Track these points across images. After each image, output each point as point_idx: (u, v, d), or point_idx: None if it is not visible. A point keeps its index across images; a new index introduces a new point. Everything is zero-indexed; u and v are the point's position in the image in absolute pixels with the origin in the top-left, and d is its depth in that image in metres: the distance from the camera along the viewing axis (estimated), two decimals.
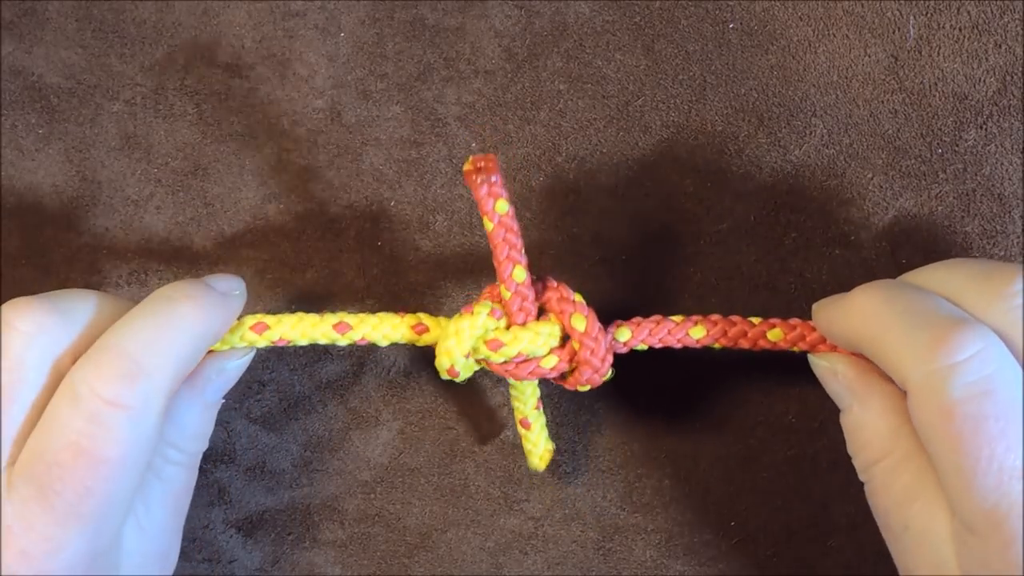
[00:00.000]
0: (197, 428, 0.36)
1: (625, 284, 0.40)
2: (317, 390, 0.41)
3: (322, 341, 0.36)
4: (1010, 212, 0.39)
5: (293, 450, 0.41)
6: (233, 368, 0.37)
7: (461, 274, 0.40)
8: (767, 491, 0.40)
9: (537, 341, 0.35)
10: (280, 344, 0.36)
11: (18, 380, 0.31)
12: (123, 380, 0.31)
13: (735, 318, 0.36)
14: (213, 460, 0.41)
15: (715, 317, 0.36)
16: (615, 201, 0.40)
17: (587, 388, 0.36)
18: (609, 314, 0.40)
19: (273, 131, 0.41)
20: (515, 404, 0.38)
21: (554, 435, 0.40)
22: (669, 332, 0.36)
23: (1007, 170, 0.39)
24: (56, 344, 0.32)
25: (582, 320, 0.35)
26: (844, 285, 0.39)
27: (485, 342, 0.35)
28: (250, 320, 0.36)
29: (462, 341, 0.35)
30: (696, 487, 0.40)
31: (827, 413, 0.39)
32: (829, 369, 0.35)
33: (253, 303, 0.41)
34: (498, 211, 0.34)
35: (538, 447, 0.39)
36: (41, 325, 0.32)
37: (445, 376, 0.36)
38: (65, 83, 0.41)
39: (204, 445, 0.37)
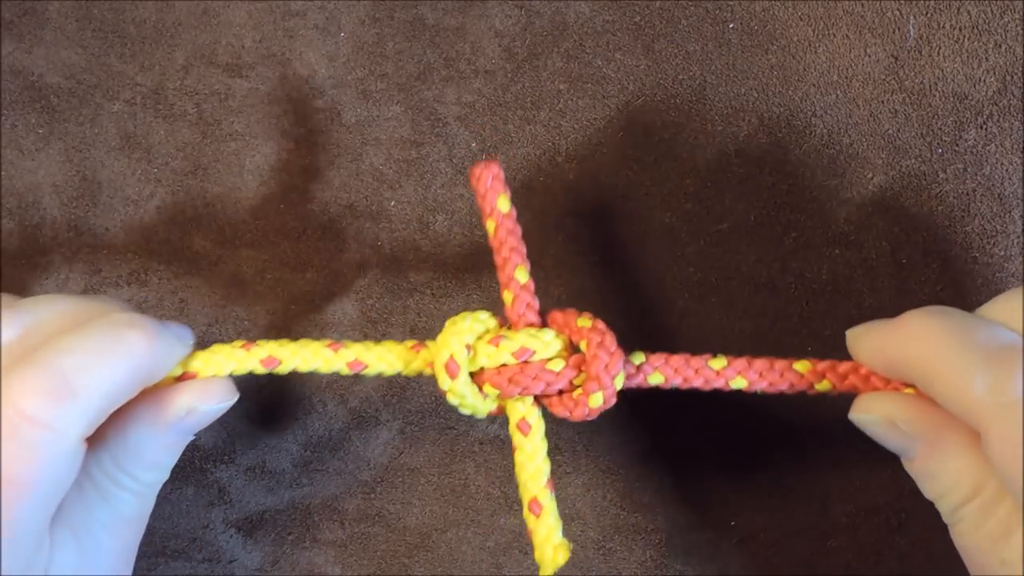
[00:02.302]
0: (154, 459, 0.33)
1: (625, 284, 0.40)
2: (317, 390, 0.41)
3: (315, 364, 0.34)
4: (1010, 212, 0.39)
5: (293, 450, 0.41)
6: (205, 411, 0.33)
7: (461, 274, 0.40)
8: (767, 491, 0.40)
9: (541, 337, 0.33)
10: (269, 365, 0.34)
11: None
12: (49, 397, 0.29)
13: (770, 361, 0.34)
14: (213, 460, 0.41)
15: (745, 362, 0.34)
16: (615, 201, 0.40)
17: (599, 400, 0.33)
18: (609, 314, 0.40)
19: (273, 131, 0.41)
20: (522, 479, 0.33)
21: (555, 434, 0.40)
22: (687, 363, 0.34)
23: (1007, 170, 0.39)
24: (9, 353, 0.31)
25: (587, 319, 0.33)
26: (844, 285, 0.39)
27: (487, 341, 0.33)
28: (238, 343, 0.34)
29: (462, 331, 0.33)
30: (696, 487, 0.40)
31: (827, 413, 0.39)
32: (884, 422, 0.32)
33: (253, 302, 0.41)
34: (500, 209, 0.33)
35: (551, 541, 0.32)
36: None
37: (444, 382, 0.33)
38: (65, 83, 0.41)
39: (162, 476, 0.34)
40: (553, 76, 0.40)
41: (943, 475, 0.31)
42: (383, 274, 0.41)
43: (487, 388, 0.33)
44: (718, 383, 0.34)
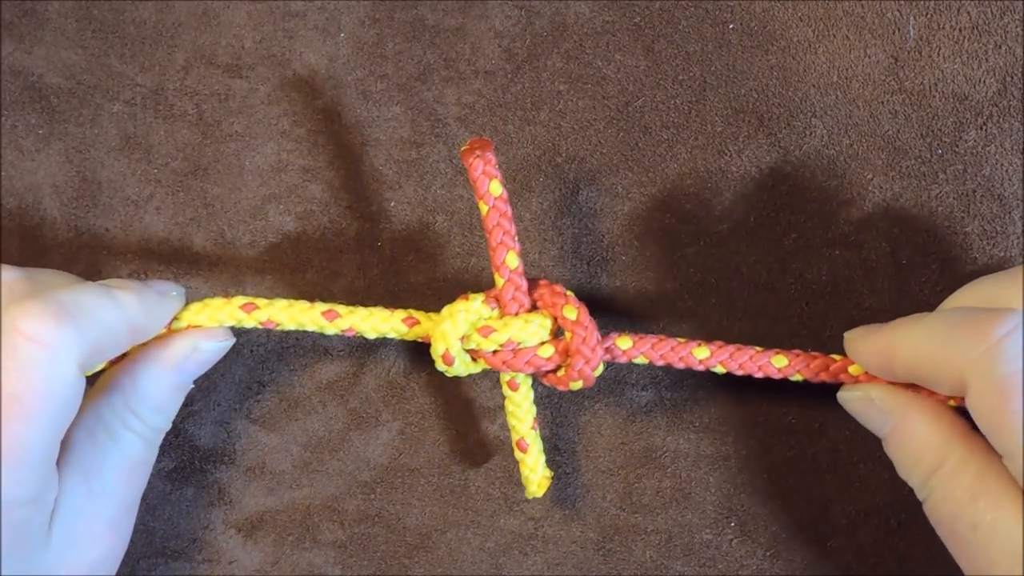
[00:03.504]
0: (160, 401, 0.36)
1: (625, 284, 0.40)
2: (317, 390, 0.41)
3: (310, 327, 0.37)
4: (1010, 212, 0.39)
5: (293, 451, 0.41)
6: (208, 349, 0.37)
7: (461, 274, 0.40)
8: (767, 491, 0.40)
9: (528, 329, 0.36)
10: (267, 326, 0.37)
11: None
12: (48, 319, 0.31)
13: (739, 345, 0.37)
14: (213, 460, 0.41)
15: (719, 342, 0.37)
16: (615, 201, 0.40)
17: (580, 385, 0.36)
18: (610, 314, 0.40)
19: (273, 131, 0.41)
20: (511, 423, 0.38)
21: (554, 435, 0.40)
22: (672, 350, 0.36)
23: (1007, 171, 0.39)
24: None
25: (573, 310, 0.36)
26: (844, 285, 0.39)
27: (477, 329, 0.36)
28: (240, 300, 0.37)
29: (457, 324, 0.36)
30: (696, 487, 0.40)
31: (827, 413, 0.39)
32: (863, 399, 0.35)
33: None
34: (492, 192, 0.35)
35: (536, 472, 0.38)
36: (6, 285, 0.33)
37: (440, 365, 0.36)
38: (65, 83, 0.41)
39: (166, 424, 0.37)
40: (553, 77, 0.40)
41: (912, 445, 0.33)
42: (383, 274, 0.41)
43: (480, 362, 0.37)
44: (699, 368, 0.37)
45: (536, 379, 0.38)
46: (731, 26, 0.39)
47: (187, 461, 0.41)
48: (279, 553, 0.41)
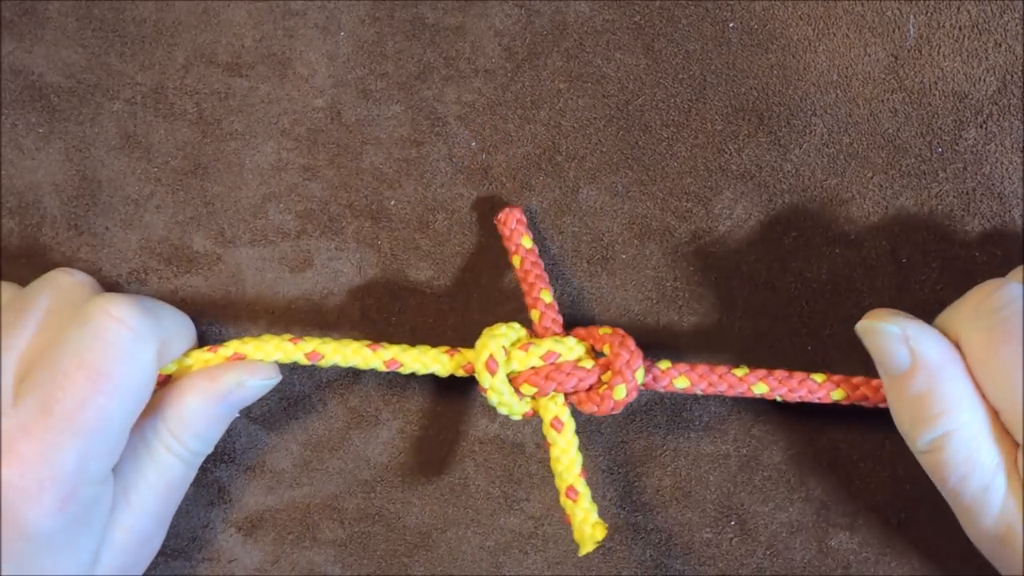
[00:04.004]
0: (200, 429, 0.37)
1: (625, 284, 0.40)
2: (317, 389, 0.41)
3: (353, 360, 0.38)
4: (1010, 212, 0.39)
5: (293, 449, 0.41)
6: (253, 386, 0.38)
7: (461, 274, 0.40)
8: (767, 491, 0.40)
9: (566, 343, 0.37)
10: (312, 359, 0.37)
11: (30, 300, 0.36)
12: (133, 307, 0.34)
13: (789, 372, 0.37)
14: (213, 460, 0.41)
15: (765, 371, 0.37)
16: (615, 201, 0.40)
17: (623, 392, 0.36)
18: (609, 314, 0.40)
19: (273, 131, 0.41)
20: (558, 470, 0.37)
21: None
22: (711, 370, 0.37)
23: (1007, 169, 0.39)
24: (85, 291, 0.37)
25: (608, 329, 0.37)
26: (844, 284, 0.39)
27: (519, 347, 0.37)
28: (287, 336, 0.38)
29: (498, 336, 0.37)
30: (696, 487, 0.40)
31: (827, 413, 0.39)
32: (900, 336, 0.34)
33: (252, 302, 0.41)
34: (524, 245, 0.38)
35: (588, 523, 0.36)
36: (82, 282, 0.38)
37: (485, 379, 0.36)
38: (65, 83, 0.41)
39: (207, 449, 0.38)
40: (553, 75, 0.40)
41: (938, 387, 0.32)
42: (383, 274, 0.41)
43: (524, 388, 0.37)
44: (740, 388, 0.37)
45: (574, 410, 0.37)
46: (731, 24, 0.39)
47: None
48: (279, 552, 0.41)
